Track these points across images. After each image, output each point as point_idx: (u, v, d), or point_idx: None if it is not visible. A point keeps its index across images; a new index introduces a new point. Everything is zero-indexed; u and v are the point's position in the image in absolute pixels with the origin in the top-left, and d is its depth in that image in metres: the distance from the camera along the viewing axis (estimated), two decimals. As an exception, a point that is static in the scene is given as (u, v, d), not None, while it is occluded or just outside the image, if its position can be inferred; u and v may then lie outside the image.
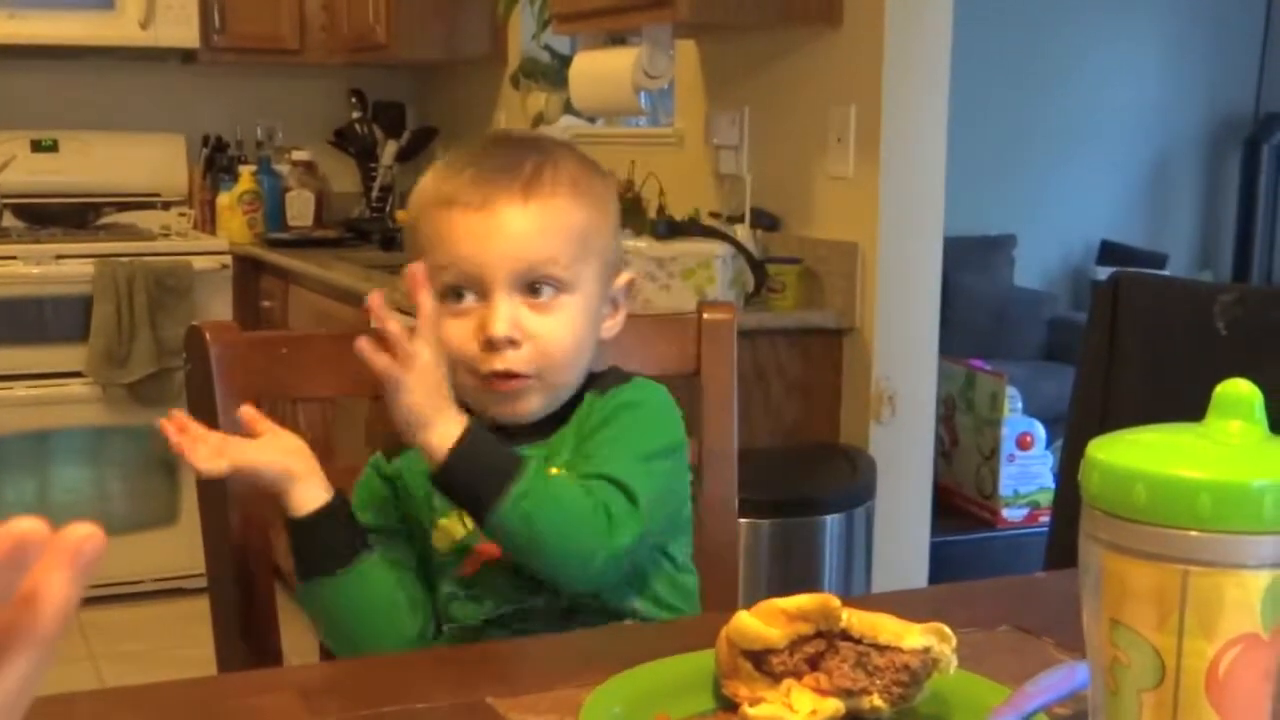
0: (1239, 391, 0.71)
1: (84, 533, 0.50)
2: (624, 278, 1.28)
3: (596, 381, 1.27)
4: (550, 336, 1.19)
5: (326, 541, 1.17)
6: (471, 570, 1.21)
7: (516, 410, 1.21)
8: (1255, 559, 0.67)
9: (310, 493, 1.15)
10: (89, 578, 0.51)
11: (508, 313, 1.17)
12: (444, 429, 1.12)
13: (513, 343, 1.17)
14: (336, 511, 1.17)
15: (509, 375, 1.18)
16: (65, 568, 0.50)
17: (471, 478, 1.13)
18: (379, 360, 1.11)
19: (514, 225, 1.18)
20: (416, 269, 1.14)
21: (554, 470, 1.19)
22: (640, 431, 1.22)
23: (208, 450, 1.14)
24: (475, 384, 1.20)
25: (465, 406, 1.18)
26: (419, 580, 1.24)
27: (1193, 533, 0.67)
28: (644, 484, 1.16)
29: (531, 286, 1.19)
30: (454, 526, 1.22)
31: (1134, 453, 0.70)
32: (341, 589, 1.17)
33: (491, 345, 1.17)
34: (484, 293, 1.18)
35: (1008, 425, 3.20)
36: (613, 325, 1.27)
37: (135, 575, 4.04)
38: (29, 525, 0.48)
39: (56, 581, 0.50)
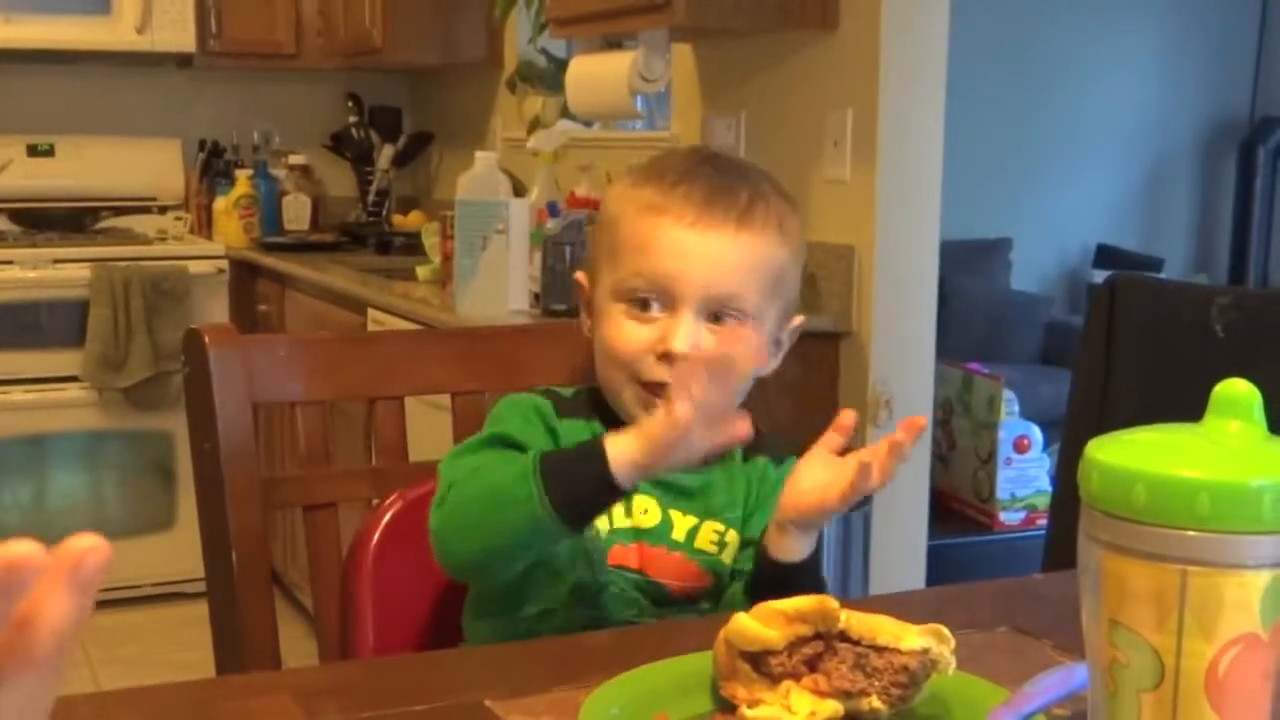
0: (1238, 391, 0.71)
1: (85, 546, 0.48)
2: (797, 320, 1.29)
3: (767, 440, 1.28)
4: None
5: (606, 508, 1.16)
6: (610, 563, 1.21)
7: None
8: (1254, 559, 0.67)
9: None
10: (92, 592, 0.49)
11: (691, 331, 1.18)
12: (811, 540, 1.18)
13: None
14: None
15: None
16: (64, 586, 0.48)
17: (816, 573, 1.19)
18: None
19: (723, 253, 1.19)
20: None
21: (714, 524, 1.23)
22: None
23: None
24: (636, 391, 1.21)
25: (609, 411, 1.21)
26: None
27: (1192, 533, 0.67)
28: None
29: (716, 313, 1.20)
30: (599, 519, 1.20)
31: (1133, 453, 0.70)
32: (559, 536, 1.14)
33: (669, 359, 1.18)
34: (672, 307, 1.19)
35: (1005, 428, 3.19)
36: (773, 363, 1.29)
37: (132, 580, 4.04)
38: (23, 549, 0.47)
39: (54, 602, 0.48)
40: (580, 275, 1.29)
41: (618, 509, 1.21)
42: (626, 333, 1.20)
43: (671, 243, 1.19)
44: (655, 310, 1.20)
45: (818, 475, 1.14)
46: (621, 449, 1.09)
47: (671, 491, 1.23)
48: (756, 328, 1.21)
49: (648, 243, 1.20)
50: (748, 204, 1.20)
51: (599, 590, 1.21)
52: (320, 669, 1.11)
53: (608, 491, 1.10)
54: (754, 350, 1.20)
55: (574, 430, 1.23)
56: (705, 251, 1.19)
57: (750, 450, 1.28)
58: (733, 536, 1.24)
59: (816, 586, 1.14)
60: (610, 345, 1.21)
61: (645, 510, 1.22)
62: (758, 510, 1.25)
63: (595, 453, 1.10)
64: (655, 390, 1.19)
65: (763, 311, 1.22)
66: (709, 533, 1.24)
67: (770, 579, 1.16)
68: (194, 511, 1.37)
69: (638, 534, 1.22)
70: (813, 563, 1.17)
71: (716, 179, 1.22)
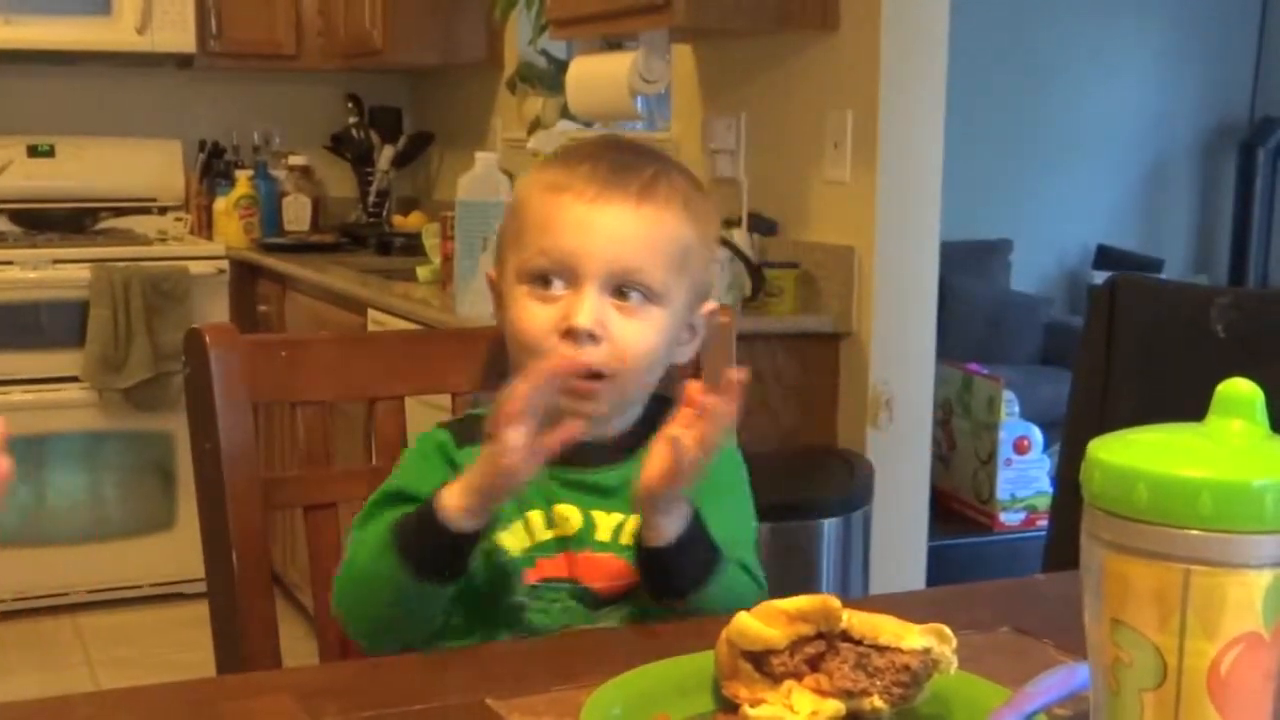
0: (1240, 391, 0.71)
1: None
2: (709, 306, 1.28)
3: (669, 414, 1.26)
4: (629, 340, 1.18)
5: (468, 553, 1.15)
6: (532, 581, 1.20)
7: (581, 409, 1.19)
8: (1257, 558, 0.67)
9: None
10: None
11: (595, 306, 1.17)
12: (678, 517, 1.15)
13: (593, 337, 1.17)
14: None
15: (585, 373, 1.17)
16: None
17: (694, 559, 1.16)
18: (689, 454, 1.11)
19: (623, 225, 1.18)
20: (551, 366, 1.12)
21: (637, 518, 1.21)
22: (745, 498, 1.30)
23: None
24: None
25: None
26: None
27: (1194, 532, 0.67)
28: (759, 566, 1.25)
29: (621, 289, 1.18)
30: (519, 536, 1.20)
31: (1135, 452, 0.70)
32: (442, 595, 1.16)
33: (572, 335, 1.16)
34: (575, 283, 1.18)
35: (1005, 429, 3.20)
36: (687, 349, 1.27)
37: (132, 580, 4.04)
38: None
39: None
40: (489, 269, 1.28)
41: (538, 521, 1.21)
42: (531, 314, 1.19)
43: (573, 218, 1.18)
44: (559, 288, 1.18)
45: (656, 453, 1.13)
46: (452, 500, 1.11)
47: (592, 493, 1.22)
48: (663, 307, 1.20)
49: (549, 220, 1.19)
50: (650, 179, 1.20)
51: (519, 610, 1.20)
52: (321, 669, 1.11)
53: (457, 542, 1.12)
54: (652, 332, 1.19)
55: (475, 457, 1.20)
56: (607, 225, 1.18)
57: (652, 424, 1.23)
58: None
59: (700, 566, 1.16)
60: (516, 329, 1.20)
61: (567, 518, 1.21)
62: (722, 496, 1.24)
63: (430, 512, 1.11)
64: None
65: (669, 289, 1.20)
66: (632, 528, 1.20)
67: (647, 569, 1.17)
68: (194, 512, 1.37)
69: (562, 543, 1.20)
70: (687, 542, 1.15)
71: (619, 158, 1.22)
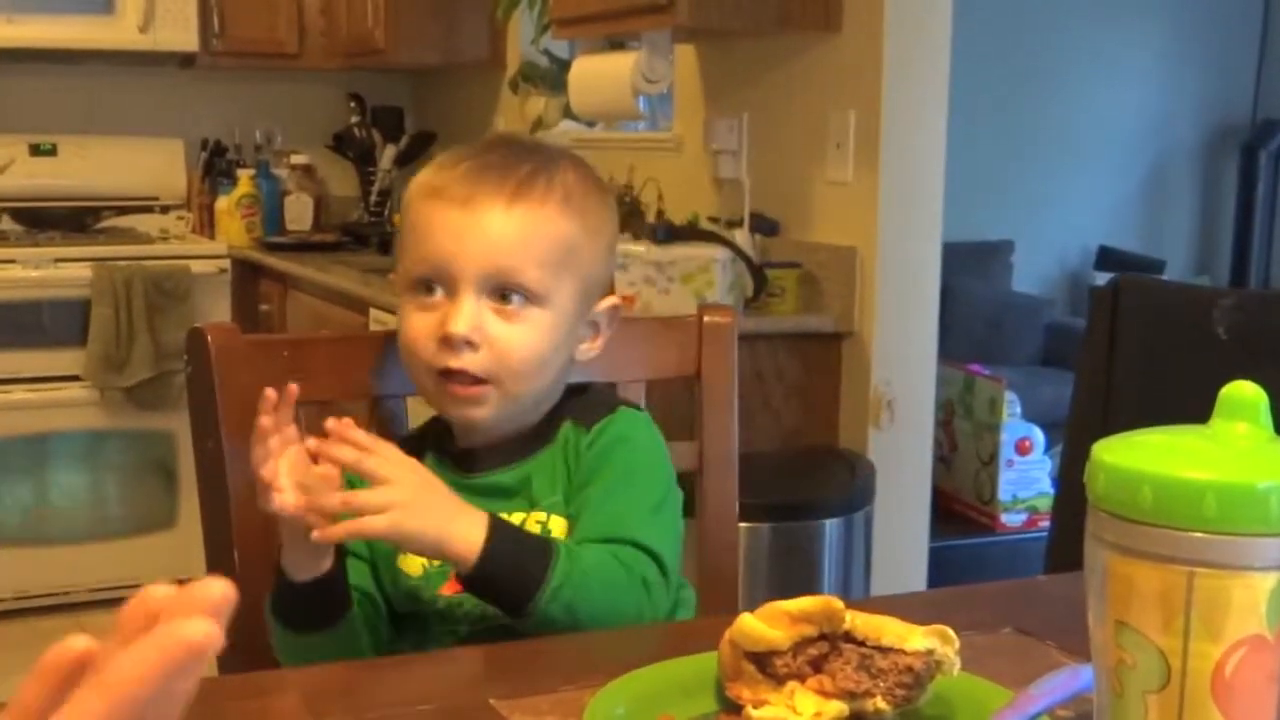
0: (1245, 393, 0.71)
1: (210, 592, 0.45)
2: (608, 302, 1.25)
3: (575, 406, 1.24)
4: (510, 344, 1.16)
5: (329, 600, 1.15)
6: (449, 593, 1.19)
7: (470, 416, 1.19)
8: (1261, 560, 0.67)
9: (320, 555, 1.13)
10: (199, 657, 0.45)
11: (470, 312, 1.15)
12: (465, 532, 1.08)
13: (470, 344, 1.15)
14: (341, 571, 1.15)
15: (465, 379, 1.16)
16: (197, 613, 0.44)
17: (506, 577, 1.09)
18: (363, 502, 1.06)
19: (493, 227, 1.16)
20: (270, 394, 1.09)
21: (536, 515, 1.18)
22: (644, 477, 1.21)
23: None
24: (433, 384, 1.19)
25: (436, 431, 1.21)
26: (378, 603, 1.23)
27: (1198, 534, 0.67)
28: (665, 541, 1.16)
29: (501, 292, 1.16)
30: (413, 563, 1.20)
31: (1140, 454, 0.70)
32: (328, 639, 1.16)
33: (448, 343, 1.15)
34: (452, 290, 1.16)
35: (1006, 430, 3.20)
36: (590, 349, 1.25)
37: (133, 579, 4.03)
38: (81, 644, 0.45)
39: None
40: (391, 276, 1.28)
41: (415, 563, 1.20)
42: (413, 323, 1.18)
43: (445, 224, 1.16)
44: (439, 296, 1.17)
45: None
46: (285, 555, 1.12)
47: (493, 496, 1.20)
48: (545, 308, 1.17)
49: (425, 227, 1.18)
50: (525, 177, 1.17)
51: (431, 628, 1.20)
52: (324, 669, 1.11)
53: (305, 592, 1.12)
54: (534, 335, 1.17)
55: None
56: (478, 228, 1.15)
57: (588, 421, 1.23)
58: (557, 523, 1.20)
59: (528, 569, 1.09)
60: (402, 339, 1.19)
61: None
62: (591, 482, 1.19)
63: (280, 569, 1.13)
64: (448, 378, 1.17)
65: (551, 290, 1.17)
66: (532, 526, 1.19)
67: (483, 596, 1.13)
68: (196, 511, 1.37)
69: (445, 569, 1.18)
70: (494, 553, 1.09)
71: (496, 157, 1.19)
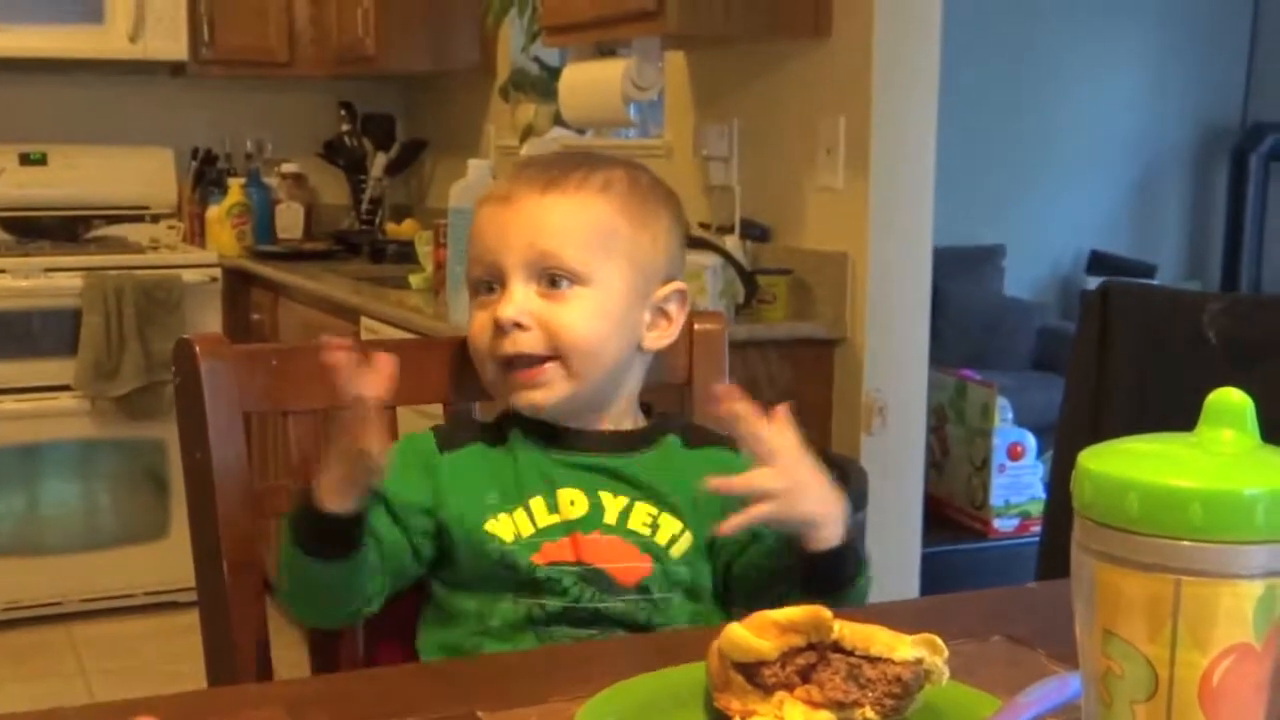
0: (1230, 400, 0.71)
1: None
2: (670, 286, 1.28)
3: (679, 425, 1.30)
4: (561, 321, 1.21)
5: (349, 534, 1.16)
6: (541, 563, 1.20)
7: (536, 400, 1.22)
8: (1248, 568, 0.67)
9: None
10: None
11: (518, 297, 1.21)
12: (835, 512, 1.16)
13: (519, 325, 1.20)
14: (364, 514, 1.16)
15: (523, 362, 1.21)
16: None
17: (852, 553, 1.18)
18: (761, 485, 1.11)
19: (529, 215, 1.22)
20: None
21: (646, 507, 1.23)
22: None
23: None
24: (497, 374, 1.24)
25: (509, 422, 1.24)
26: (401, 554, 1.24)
27: (1185, 542, 0.67)
28: None
29: (549, 278, 1.21)
30: (521, 522, 1.21)
31: (1126, 462, 0.70)
32: (336, 569, 1.17)
33: (499, 328, 1.21)
34: (503, 283, 1.22)
35: (998, 435, 3.20)
36: (660, 336, 1.28)
37: (125, 589, 4.03)
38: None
39: None
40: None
41: (540, 506, 1.22)
42: (475, 321, 1.25)
43: (490, 222, 1.24)
44: (496, 292, 1.23)
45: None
46: (323, 485, 1.13)
47: (598, 474, 1.24)
48: (591, 286, 1.22)
49: (477, 231, 1.25)
50: (561, 171, 1.24)
51: (523, 596, 1.21)
52: (312, 680, 1.11)
53: (332, 524, 1.13)
54: (585, 312, 1.21)
55: (464, 456, 1.25)
56: (517, 218, 1.22)
57: (696, 441, 1.29)
58: (668, 521, 1.23)
59: (852, 566, 1.17)
60: (469, 337, 1.26)
61: (572, 501, 1.22)
62: (723, 501, 1.22)
63: (308, 495, 1.14)
64: (510, 367, 1.22)
65: (595, 270, 1.22)
66: (642, 514, 1.23)
67: (806, 571, 1.17)
68: (187, 520, 1.36)
69: (568, 526, 1.21)
70: (844, 548, 1.16)
71: (554, 163, 1.26)
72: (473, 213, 1.28)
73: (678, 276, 1.29)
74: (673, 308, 1.28)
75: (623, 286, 1.23)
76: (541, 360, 1.21)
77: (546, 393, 1.22)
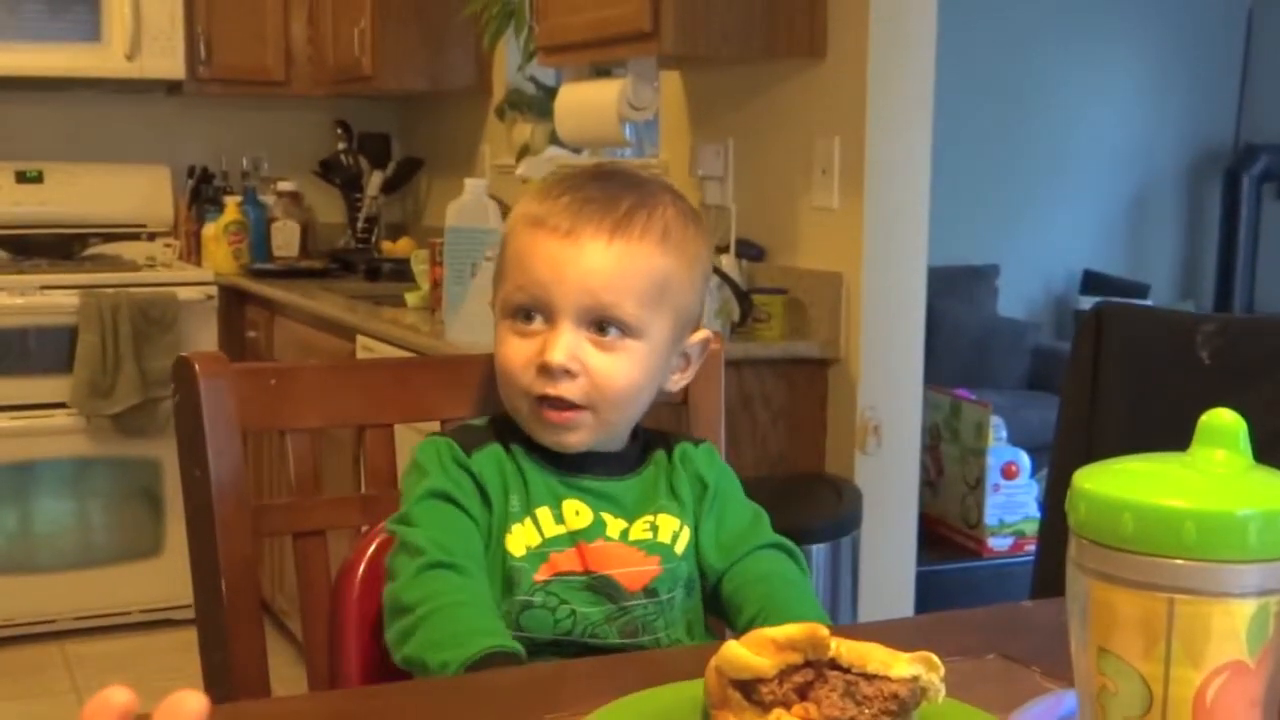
0: (1223, 421, 0.71)
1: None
2: (700, 335, 1.29)
3: (656, 438, 1.31)
4: (607, 374, 1.20)
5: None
6: (544, 577, 1.20)
7: (564, 441, 1.23)
8: (1240, 587, 0.68)
9: None
10: None
11: (569, 342, 1.19)
12: None
13: (568, 373, 1.19)
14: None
15: (562, 405, 1.20)
16: None
17: None
18: None
19: (593, 261, 1.19)
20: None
21: (644, 519, 1.24)
22: (750, 501, 1.36)
23: None
24: (528, 408, 1.22)
25: (513, 429, 1.23)
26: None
27: (1179, 561, 0.68)
28: (786, 540, 1.36)
29: (599, 324, 1.20)
30: (529, 533, 1.21)
31: (1120, 482, 0.71)
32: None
33: (547, 371, 1.19)
34: (551, 319, 1.20)
35: (993, 455, 3.21)
36: (680, 379, 1.30)
37: (120, 606, 4.03)
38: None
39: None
40: (490, 298, 1.30)
41: (547, 516, 1.22)
42: (512, 348, 1.22)
43: (546, 254, 1.20)
44: (538, 324, 1.21)
45: None
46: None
47: (599, 498, 1.24)
48: (641, 339, 1.21)
49: (526, 256, 1.21)
50: (626, 213, 1.21)
51: (526, 607, 1.20)
52: (309, 697, 1.11)
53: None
54: (630, 366, 1.21)
55: (485, 459, 1.23)
56: (578, 262, 1.19)
57: (671, 445, 1.30)
58: (666, 520, 1.25)
59: None
60: (500, 363, 1.23)
61: (577, 512, 1.22)
62: (731, 501, 1.30)
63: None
64: (544, 404, 1.21)
65: (646, 323, 1.21)
66: (641, 526, 1.24)
67: None
68: (182, 538, 1.36)
69: (573, 537, 1.22)
70: None
71: (599, 189, 1.22)
72: (513, 223, 1.25)
73: (702, 315, 1.31)
74: (694, 352, 1.30)
75: (666, 338, 1.24)
76: (576, 405, 1.21)
77: (579, 437, 1.22)
